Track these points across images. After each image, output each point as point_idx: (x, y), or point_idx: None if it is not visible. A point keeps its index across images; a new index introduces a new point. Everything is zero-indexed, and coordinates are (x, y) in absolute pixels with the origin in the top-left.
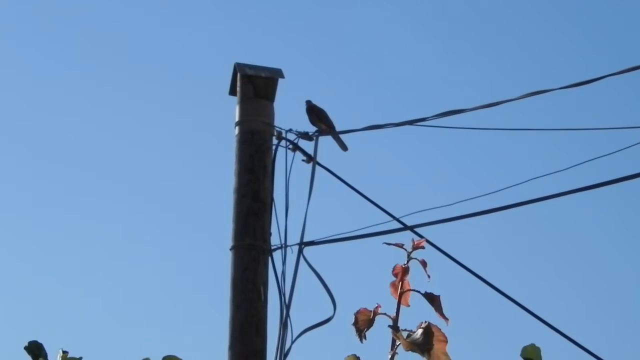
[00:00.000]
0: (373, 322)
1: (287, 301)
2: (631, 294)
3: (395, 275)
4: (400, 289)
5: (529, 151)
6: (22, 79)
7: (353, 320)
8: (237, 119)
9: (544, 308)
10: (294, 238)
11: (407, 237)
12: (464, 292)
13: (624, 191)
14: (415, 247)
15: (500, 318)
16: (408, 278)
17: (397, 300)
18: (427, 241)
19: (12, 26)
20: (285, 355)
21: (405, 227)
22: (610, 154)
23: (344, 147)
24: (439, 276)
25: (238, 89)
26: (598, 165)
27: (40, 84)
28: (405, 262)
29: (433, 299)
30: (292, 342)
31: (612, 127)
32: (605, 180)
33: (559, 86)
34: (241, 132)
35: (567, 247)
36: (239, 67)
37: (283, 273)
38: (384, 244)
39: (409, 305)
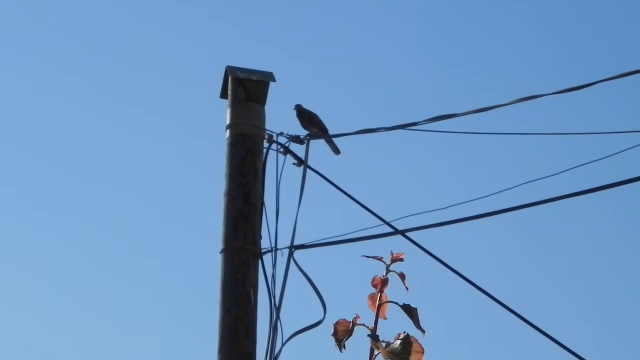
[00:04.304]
0: (352, 332)
1: (277, 304)
2: (625, 298)
3: (375, 286)
4: (379, 300)
5: (521, 156)
6: (12, 82)
7: (332, 331)
8: (228, 122)
9: (536, 313)
10: (284, 241)
11: (398, 241)
12: (455, 297)
13: (616, 196)
14: (394, 260)
15: (491, 323)
16: (386, 290)
17: (375, 312)
18: (419, 246)
19: (6, 31)
20: (275, 358)
21: (397, 231)
22: (602, 158)
23: (336, 151)
24: (430, 280)
25: (229, 92)
26: (590, 169)
27: (33, 87)
28: (384, 274)
29: (410, 311)
30: (282, 345)
31: (604, 131)
32: (597, 185)
33: (552, 91)
34: (232, 135)
35: (560, 252)
36: (230, 70)
37: (273, 276)
38: (363, 257)
39: (386, 318)
